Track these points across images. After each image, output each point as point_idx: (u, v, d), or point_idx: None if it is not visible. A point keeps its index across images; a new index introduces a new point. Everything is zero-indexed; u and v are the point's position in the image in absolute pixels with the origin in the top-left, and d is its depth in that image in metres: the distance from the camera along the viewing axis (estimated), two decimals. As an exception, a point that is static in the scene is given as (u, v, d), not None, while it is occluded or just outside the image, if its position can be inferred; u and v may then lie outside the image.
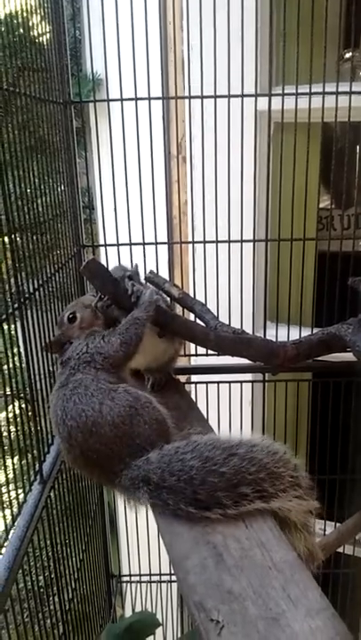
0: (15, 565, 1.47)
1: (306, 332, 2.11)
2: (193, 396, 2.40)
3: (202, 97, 2.25)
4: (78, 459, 1.53)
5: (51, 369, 1.87)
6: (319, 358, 2.10)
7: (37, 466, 1.76)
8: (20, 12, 1.79)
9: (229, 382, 2.56)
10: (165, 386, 2.04)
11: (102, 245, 2.45)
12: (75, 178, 2.32)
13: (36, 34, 1.97)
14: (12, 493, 1.74)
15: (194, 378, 2.65)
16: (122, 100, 2.25)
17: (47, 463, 1.84)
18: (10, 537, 1.54)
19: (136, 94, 2.23)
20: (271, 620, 1.09)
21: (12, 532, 1.55)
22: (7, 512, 1.57)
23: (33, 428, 1.74)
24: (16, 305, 1.60)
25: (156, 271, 2.05)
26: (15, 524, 1.58)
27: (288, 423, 2.66)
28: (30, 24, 1.90)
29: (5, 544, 1.51)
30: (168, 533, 1.38)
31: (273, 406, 2.61)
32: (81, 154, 2.40)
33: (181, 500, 1.37)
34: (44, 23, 2.05)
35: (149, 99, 2.25)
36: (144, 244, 2.39)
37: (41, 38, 2.02)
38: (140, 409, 1.52)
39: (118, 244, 2.39)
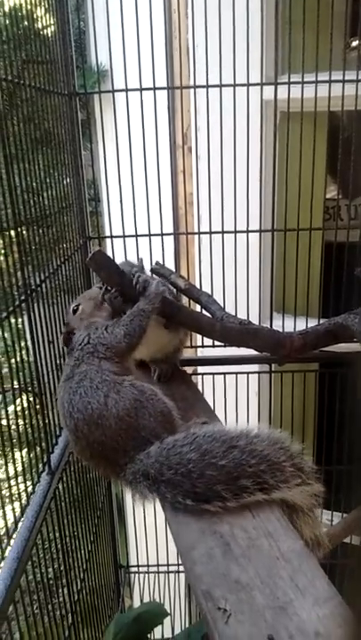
0: (24, 556, 1.48)
1: (312, 323, 2.10)
2: (200, 388, 2.40)
3: (207, 86, 2.24)
4: (85, 450, 1.54)
5: (58, 362, 1.87)
6: (326, 349, 2.09)
7: (45, 457, 1.77)
8: (24, 5, 1.79)
9: (236, 373, 2.55)
10: (172, 377, 2.05)
11: (108, 237, 2.45)
12: (80, 170, 2.31)
13: (40, 26, 1.96)
14: (21, 486, 1.75)
15: (200, 369, 2.65)
16: (127, 90, 2.23)
17: (55, 454, 1.84)
18: (19, 528, 1.55)
19: (141, 84, 2.22)
20: (279, 608, 1.10)
21: (20, 522, 1.56)
22: (16, 505, 1.58)
23: (41, 421, 1.74)
24: (23, 298, 1.60)
25: (162, 262, 2.04)
26: (24, 515, 1.59)
27: (295, 414, 2.65)
28: (35, 16, 1.90)
29: (14, 535, 1.52)
30: (175, 523, 1.38)
31: (280, 397, 2.61)
32: (86, 146, 2.40)
33: (179, 494, 1.37)
34: (48, 15, 2.04)
35: (154, 89, 2.23)
36: (150, 235, 2.38)
37: (45, 30, 2.02)
38: (145, 401, 1.52)
39: (124, 236, 2.39)
